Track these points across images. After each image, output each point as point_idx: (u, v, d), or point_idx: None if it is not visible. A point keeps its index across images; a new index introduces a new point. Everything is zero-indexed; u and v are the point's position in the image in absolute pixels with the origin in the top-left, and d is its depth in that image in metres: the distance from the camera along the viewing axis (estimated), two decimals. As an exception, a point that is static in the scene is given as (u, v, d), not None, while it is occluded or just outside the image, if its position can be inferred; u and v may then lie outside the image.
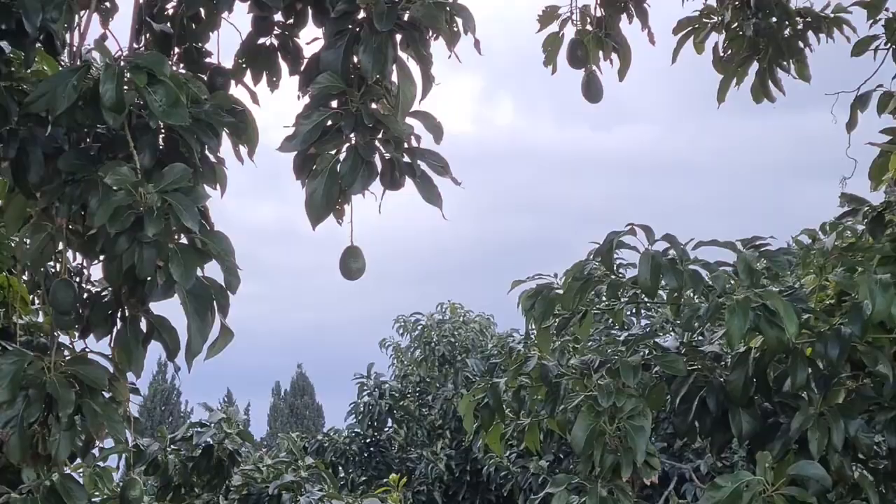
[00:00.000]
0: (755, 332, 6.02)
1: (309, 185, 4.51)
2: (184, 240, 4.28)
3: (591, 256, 6.24)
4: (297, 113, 4.60)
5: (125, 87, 4.26)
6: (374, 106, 4.63)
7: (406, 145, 4.59)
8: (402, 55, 4.62)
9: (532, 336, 6.88)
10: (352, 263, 4.66)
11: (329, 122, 4.52)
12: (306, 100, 4.72)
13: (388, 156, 4.52)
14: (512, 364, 7.09)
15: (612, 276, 6.20)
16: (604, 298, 6.81)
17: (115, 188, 4.16)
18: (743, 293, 5.80)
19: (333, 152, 4.51)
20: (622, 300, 6.71)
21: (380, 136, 4.55)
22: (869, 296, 5.72)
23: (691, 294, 6.13)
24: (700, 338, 6.77)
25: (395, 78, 4.64)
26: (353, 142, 4.51)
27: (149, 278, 4.28)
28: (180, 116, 4.29)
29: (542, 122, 76.58)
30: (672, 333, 7.34)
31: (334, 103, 4.60)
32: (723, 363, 6.47)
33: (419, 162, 4.57)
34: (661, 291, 6.32)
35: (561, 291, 6.32)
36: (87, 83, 4.36)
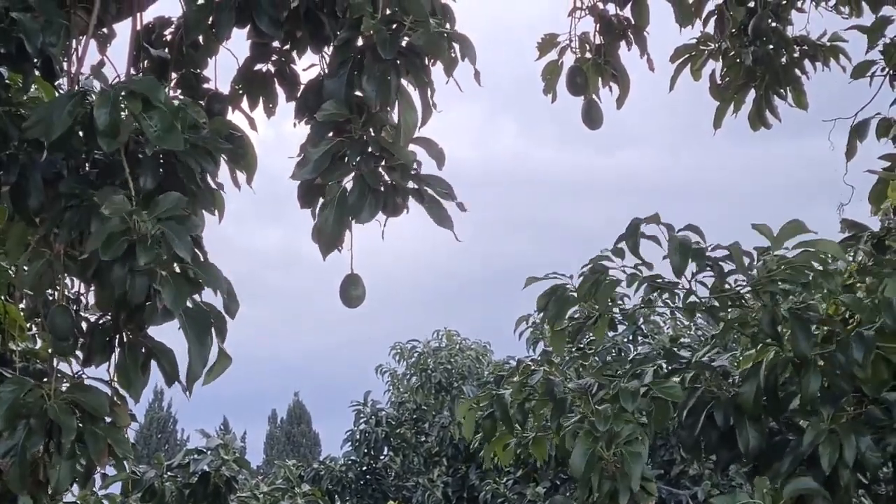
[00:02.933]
0: (766, 348, 6.04)
1: (320, 216, 4.50)
2: (177, 268, 4.26)
3: (614, 243, 6.18)
4: (301, 143, 4.60)
5: (123, 113, 4.25)
6: (377, 134, 4.63)
7: (412, 171, 4.58)
8: (403, 82, 4.62)
9: (549, 329, 6.85)
10: (352, 291, 4.65)
11: (335, 150, 4.51)
12: (305, 127, 4.72)
13: (391, 182, 4.51)
14: (520, 375, 7.10)
15: (633, 268, 6.16)
16: (620, 303, 6.79)
17: (109, 215, 4.14)
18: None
19: (341, 181, 4.50)
20: (639, 297, 6.69)
21: (384, 163, 4.54)
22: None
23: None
24: (705, 359, 6.78)
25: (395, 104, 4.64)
26: (359, 170, 4.50)
27: (148, 303, 4.27)
28: (175, 141, 4.28)
29: (545, 146, 76.54)
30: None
31: (332, 133, 4.59)
32: (730, 380, 6.46)
33: (426, 187, 4.56)
34: (660, 312, 6.32)
35: (575, 294, 6.30)
36: (83, 109, 4.35)
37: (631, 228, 6.08)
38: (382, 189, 4.50)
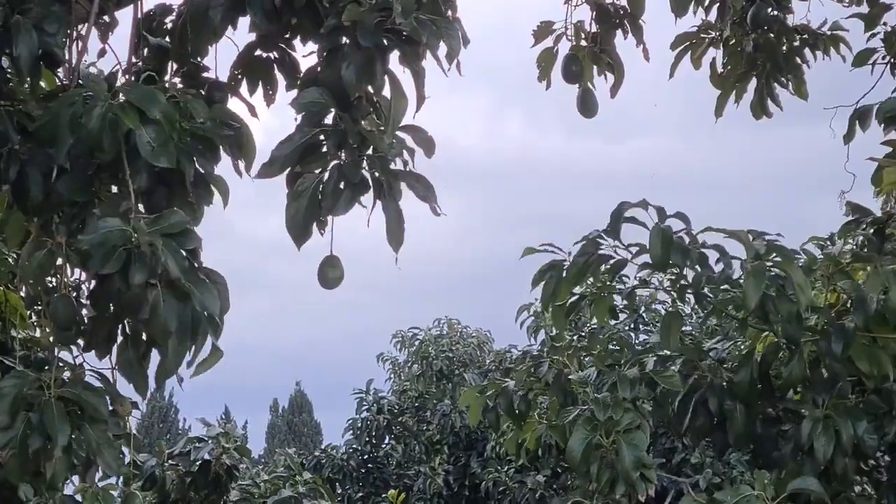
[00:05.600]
0: (761, 334, 6.05)
1: (289, 207, 4.48)
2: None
3: (601, 230, 6.19)
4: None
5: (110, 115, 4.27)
6: (362, 123, 4.61)
7: (394, 165, 4.56)
8: (396, 70, 4.60)
9: (543, 310, 6.87)
10: (329, 272, 4.64)
11: (315, 141, 4.49)
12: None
13: (374, 174, 4.51)
14: (527, 364, 7.13)
15: (619, 252, 6.17)
16: (617, 284, 6.81)
17: (106, 232, 4.16)
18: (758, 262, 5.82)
19: (318, 171, 4.50)
20: (625, 282, 6.73)
21: (369, 152, 4.53)
22: (880, 288, 5.74)
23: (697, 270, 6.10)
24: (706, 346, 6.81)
25: (385, 93, 4.62)
26: (340, 160, 4.48)
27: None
28: (168, 159, 4.28)
29: (553, 135, 76.22)
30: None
31: (327, 120, 4.58)
32: (725, 366, 6.48)
33: (398, 184, 4.53)
34: (661, 301, 6.35)
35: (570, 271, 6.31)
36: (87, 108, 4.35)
37: (616, 213, 6.09)
38: (359, 182, 4.48)
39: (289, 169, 4.54)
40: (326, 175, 4.49)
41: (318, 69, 4.90)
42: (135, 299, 4.18)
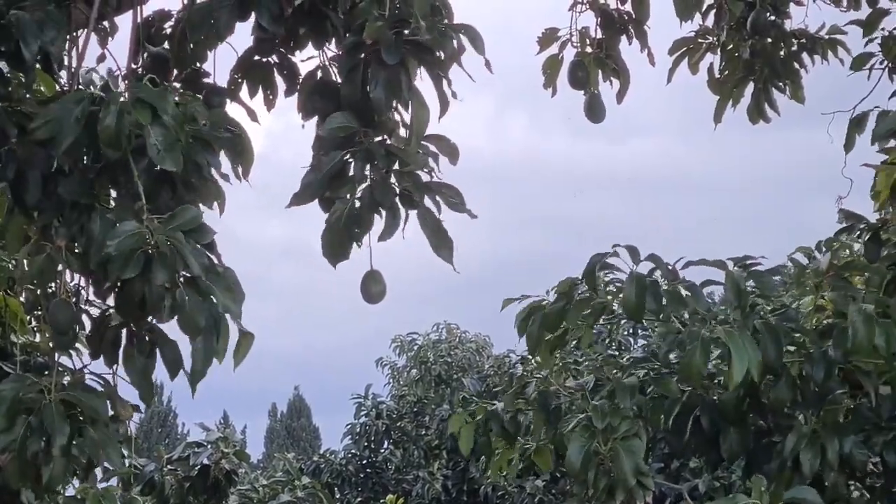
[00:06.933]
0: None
1: (327, 232, 4.54)
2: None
3: (582, 276, 6.30)
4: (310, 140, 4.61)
5: (128, 116, 4.26)
6: (388, 140, 4.62)
7: (421, 177, 4.59)
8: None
9: (531, 356, 6.94)
10: (373, 287, 4.67)
11: (342, 166, 4.52)
12: (312, 127, 4.73)
13: (402, 191, 4.52)
14: (512, 387, 7.15)
15: (597, 299, 6.28)
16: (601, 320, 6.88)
17: (125, 232, 4.16)
18: (708, 328, 5.94)
19: (349, 195, 4.52)
20: (605, 322, 6.85)
21: (395, 167, 4.54)
22: (851, 326, 5.82)
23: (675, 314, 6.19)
24: None
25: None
26: (367, 180, 4.50)
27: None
28: (174, 162, 4.26)
29: (556, 136, 76.04)
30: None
31: (339, 145, 4.59)
32: (716, 381, 6.52)
33: (436, 196, 4.56)
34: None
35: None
36: (91, 110, 4.35)
37: (590, 265, 6.21)
38: (393, 205, 4.52)
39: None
40: (358, 199, 4.53)
41: (320, 75, 4.94)
42: (158, 300, 4.19)
